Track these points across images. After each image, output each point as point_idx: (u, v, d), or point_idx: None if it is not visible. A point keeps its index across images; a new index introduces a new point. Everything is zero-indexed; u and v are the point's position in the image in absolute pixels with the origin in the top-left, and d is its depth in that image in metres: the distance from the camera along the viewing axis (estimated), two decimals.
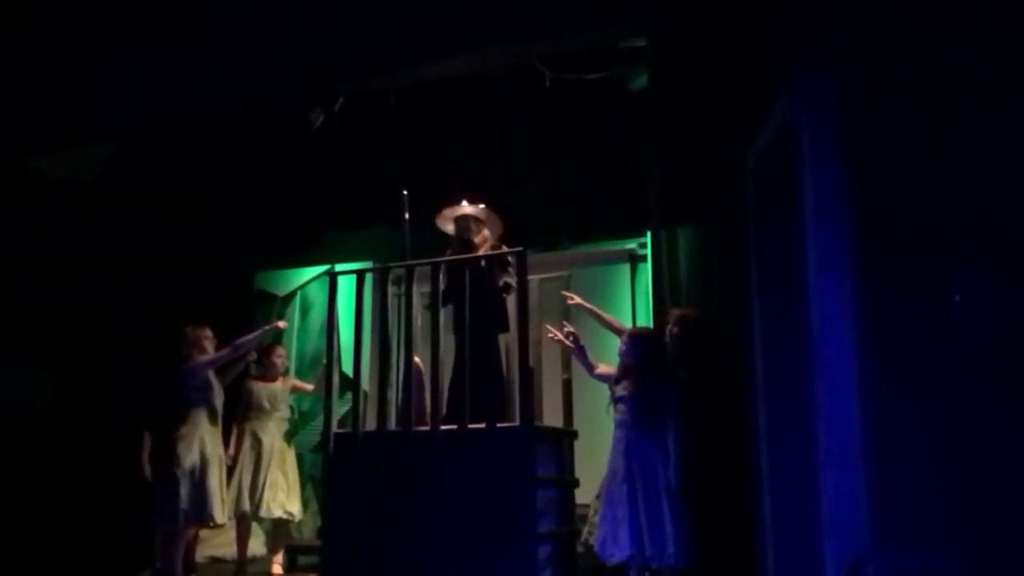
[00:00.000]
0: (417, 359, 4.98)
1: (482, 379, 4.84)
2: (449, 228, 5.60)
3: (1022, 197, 2.67)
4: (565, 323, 5.15)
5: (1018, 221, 2.68)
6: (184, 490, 5.24)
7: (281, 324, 6.10)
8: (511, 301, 5.04)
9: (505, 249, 5.21)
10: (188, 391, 5.46)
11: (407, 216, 5.23)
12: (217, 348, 5.61)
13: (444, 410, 4.78)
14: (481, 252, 5.29)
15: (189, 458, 5.31)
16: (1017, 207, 2.68)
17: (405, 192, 5.23)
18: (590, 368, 4.96)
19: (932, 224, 2.95)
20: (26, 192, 6.14)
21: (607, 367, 4.91)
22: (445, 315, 4.91)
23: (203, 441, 5.39)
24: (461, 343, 4.85)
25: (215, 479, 5.39)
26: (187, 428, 5.37)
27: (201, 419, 5.43)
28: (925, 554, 2.75)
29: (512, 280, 5.00)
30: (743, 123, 4.31)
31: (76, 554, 5.98)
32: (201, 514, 5.31)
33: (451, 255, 5.32)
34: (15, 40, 5.65)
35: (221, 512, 5.41)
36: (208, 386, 5.51)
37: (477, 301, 4.84)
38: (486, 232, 5.51)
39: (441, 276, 4.92)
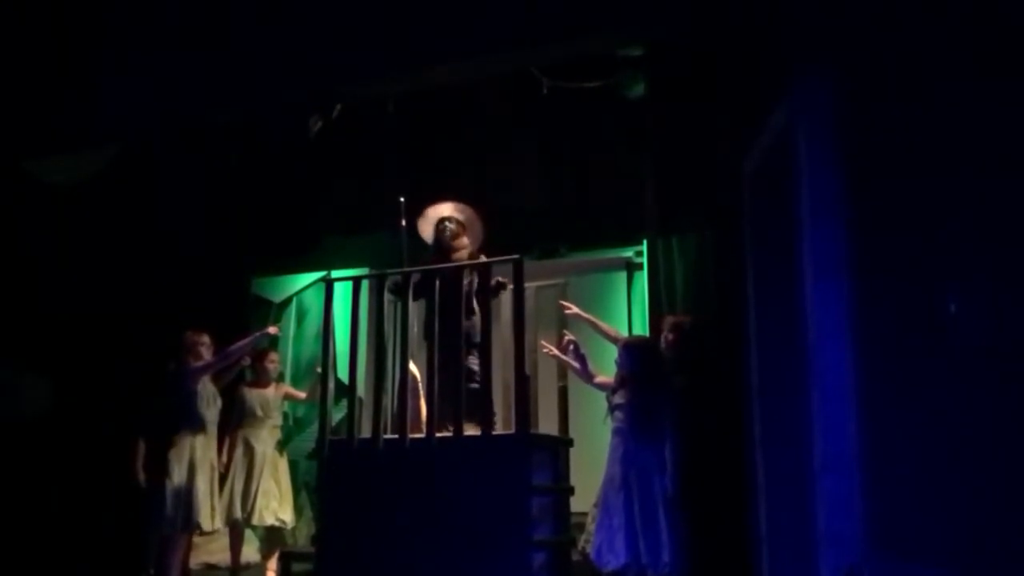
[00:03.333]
0: (412, 366, 4.97)
1: (451, 388, 4.71)
2: (428, 233, 5.36)
3: (1019, 205, 2.67)
4: (566, 331, 5.13)
5: (1015, 228, 2.68)
6: (173, 497, 5.23)
7: (272, 330, 6.03)
8: (505, 310, 5.01)
9: (484, 258, 5.04)
10: (182, 397, 5.43)
11: (404, 222, 5.22)
12: (214, 354, 5.59)
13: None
14: (458, 261, 5.11)
15: (179, 465, 5.29)
16: (1014, 214, 2.68)
17: (402, 199, 5.22)
18: (589, 377, 4.96)
19: (929, 231, 2.95)
20: (22, 195, 6.12)
21: (605, 377, 4.91)
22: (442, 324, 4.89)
23: (194, 448, 5.37)
24: (431, 351, 4.78)
25: (204, 486, 5.36)
26: (180, 435, 5.36)
27: (194, 425, 5.40)
28: (921, 562, 2.74)
29: (504, 279, 4.82)
30: (740, 131, 4.32)
31: (70, 559, 5.94)
32: (188, 521, 5.29)
33: (429, 263, 5.12)
34: (14, 43, 5.65)
35: (209, 519, 5.39)
36: (200, 393, 5.49)
37: (450, 310, 4.74)
38: (466, 239, 5.27)
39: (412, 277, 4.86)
